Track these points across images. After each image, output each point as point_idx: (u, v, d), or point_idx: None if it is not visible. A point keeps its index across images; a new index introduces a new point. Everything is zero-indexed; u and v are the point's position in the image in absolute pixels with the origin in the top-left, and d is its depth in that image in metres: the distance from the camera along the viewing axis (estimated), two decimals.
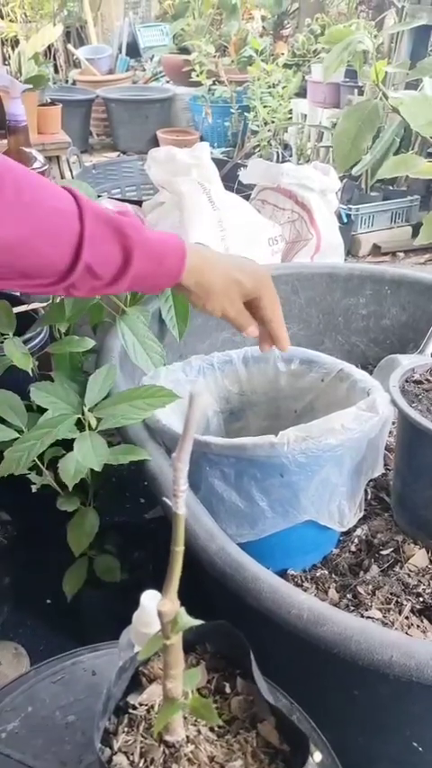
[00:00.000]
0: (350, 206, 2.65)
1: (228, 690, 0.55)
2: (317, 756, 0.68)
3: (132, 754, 0.50)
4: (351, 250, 2.71)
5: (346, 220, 2.61)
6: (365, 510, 1.11)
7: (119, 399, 0.95)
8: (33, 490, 1.01)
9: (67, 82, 4.41)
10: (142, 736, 0.51)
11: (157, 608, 0.45)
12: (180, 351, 1.39)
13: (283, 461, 0.92)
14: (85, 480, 1.05)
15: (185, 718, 0.53)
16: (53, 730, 0.67)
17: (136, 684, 0.55)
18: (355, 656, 0.71)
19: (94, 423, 0.94)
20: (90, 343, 1.17)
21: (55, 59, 4.52)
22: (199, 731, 0.52)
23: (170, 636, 0.45)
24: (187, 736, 0.51)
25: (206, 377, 1.19)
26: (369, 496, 1.17)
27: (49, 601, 1.24)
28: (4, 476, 0.97)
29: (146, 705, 0.54)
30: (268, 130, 2.97)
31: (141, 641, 0.59)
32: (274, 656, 0.81)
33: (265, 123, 3.09)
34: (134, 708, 0.53)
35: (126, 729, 0.52)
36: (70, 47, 4.41)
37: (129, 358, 1.13)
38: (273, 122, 3.05)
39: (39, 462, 1.02)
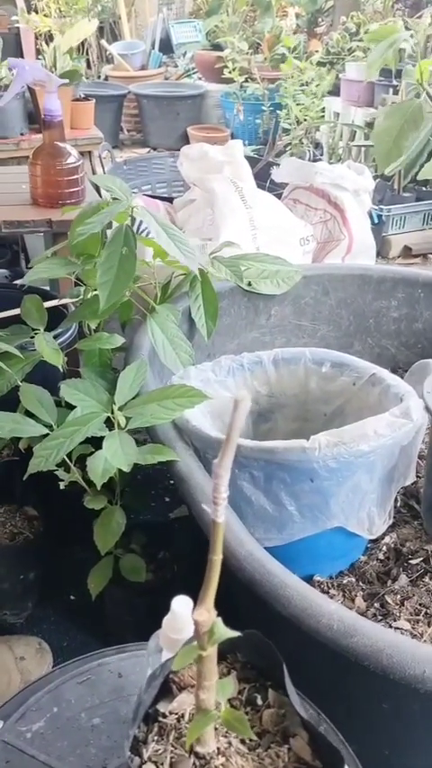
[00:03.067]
0: (381, 206, 2.62)
1: (259, 702, 0.54)
2: None
3: (162, 764, 0.49)
4: (381, 251, 2.68)
5: (377, 221, 2.58)
6: (395, 518, 1.09)
7: (148, 399, 0.94)
8: (61, 487, 1.00)
9: (99, 77, 4.42)
10: (172, 746, 0.50)
11: (193, 617, 0.44)
12: (208, 350, 1.38)
13: (313, 466, 0.91)
14: (112, 479, 1.05)
15: (216, 728, 0.52)
16: (78, 732, 0.67)
17: (166, 692, 0.54)
18: (386, 669, 0.69)
19: (123, 422, 0.94)
20: (120, 340, 1.16)
21: (88, 55, 4.53)
22: (230, 743, 0.51)
23: (206, 647, 0.44)
24: (218, 748, 0.50)
25: (235, 377, 1.18)
26: (399, 504, 1.15)
27: (73, 597, 1.24)
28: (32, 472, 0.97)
29: (176, 714, 0.53)
30: (300, 129, 2.95)
31: (171, 647, 0.58)
32: (301, 664, 0.79)
33: (298, 122, 3.06)
34: (164, 716, 0.53)
35: (156, 738, 0.51)
36: (103, 42, 4.41)
37: (157, 356, 1.13)
38: (305, 120, 3.03)
39: (67, 459, 1.02)
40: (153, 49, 4.57)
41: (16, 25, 3.10)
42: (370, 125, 2.96)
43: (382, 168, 1.48)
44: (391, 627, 0.96)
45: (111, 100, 3.83)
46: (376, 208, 2.61)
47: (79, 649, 1.15)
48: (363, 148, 2.87)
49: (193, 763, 0.49)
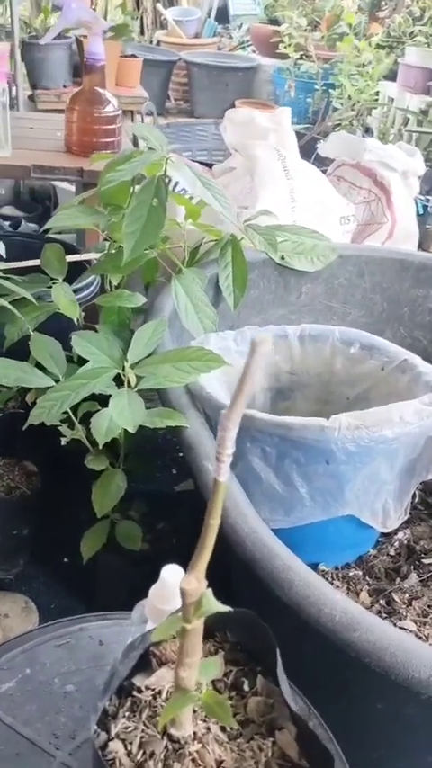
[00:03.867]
0: (429, 197, 2.52)
1: (246, 687, 0.49)
2: None
3: (131, 743, 0.44)
4: (423, 244, 2.58)
5: (422, 211, 2.48)
6: (411, 513, 1.03)
7: (163, 359, 0.89)
8: (63, 443, 0.96)
9: (151, 43, 4.33)
10: (144, 725, 0.46)
11: (180, 585, 0.39)
12: (232, 322, 1.32)
13: (331, 447, 0.85)
14: (117, 440, 1.00)
15: (195, 711, 0.47)
16: (49, 698, 0.62)
17: (145, 665, 0.49)
18: (388, 668, 0.64)
19: (133, 380, 0.89)
20: (141, 299, 1.11)
21: (142, 19, 4.44)
22: (209, 729, 0.46)
23: (191, 619, 0.39)
24: (195, 733, 0.45)
25: None
26: (416, 499, 1.09)
27: (66, 559, 1.20)
28: (35, 426, 0.93)
29: (153, 690, 0.48)
30: (352, 109, 2.85)
31: (157, 618, 0.53)
32: (297, 654, 0.74)
33: (351, 103, 2.96)
34: (140, 691, 0.48)
35: (127, 714, 0.46)
36: (159, 6, 4.32)
37: (178, 321, 1.07)
38: (358, 102, 2.93)
39: (72, 415, 0.97)
40: (209, 17, 4.46)
41: None
42: (425, 112, 2.86)
43: None
44: (395, 626, 0.90)
45: (160, 65, 3.75)
46: (423, 198, 2.52)
47: (66, 613, 1.10)
48: (415, 135, 2.76)
49: (165, 746, 0.44)
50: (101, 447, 0.90)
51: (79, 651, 0.67)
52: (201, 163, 1.88)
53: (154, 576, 0.54)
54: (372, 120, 3.15)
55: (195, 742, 0.45)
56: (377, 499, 0.93)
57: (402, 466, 0.91)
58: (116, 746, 0.44)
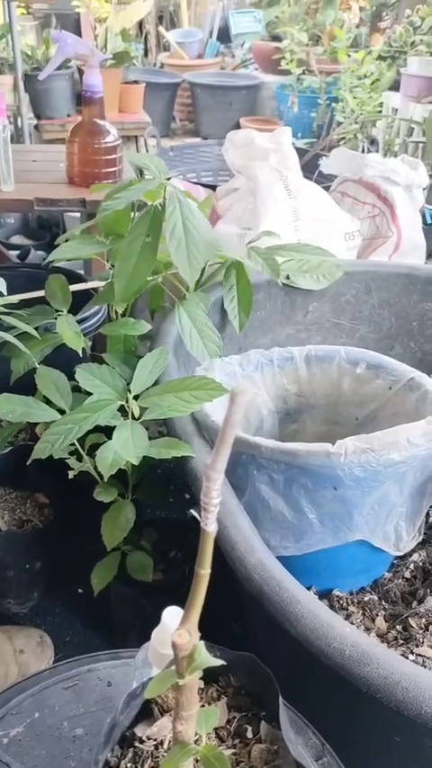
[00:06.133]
0: None
1: (249, 734, 0.48)
2: None
3: None
4: None
5: (430, 221, 2.47)
6: (425, 534, 1.02)
7: (166, 389, 0.89)
8: (70, 476, 0.96)
9: (155, 65, 4.38)
10: None
11: (172, 639, 0.39)
12: (240, 344, 1.32)
13: (338, 473, 0.84)
14: (125, 471, 1.00)
15: (197, 761, 0.46)
16: (58, 742, 0.62)
17: (147, 713, 0.49)
18: (400, 704, 0.62)
19: (137, 411, 0.89)
20: (146, 326, 1.11)
21: (146, 42, 4.50)
22: None
23: (185, 674, 0.38)
24: None
25: (264, 373, 1.12)
26: (430, 519, 1.07)
27: (81, 590, 1.19)
28: (45, 458, 0.93)
29: (155, 740, 0.47)
30: (356, 122, 2.85)
31: (159, 662, 0.52)
32: (308, 687, 0.73)
33: (354, 116, 2.97)
34: (141, 741, 0.47)
35: (129, 765, 0.45)
36: (161, 29, 4.37)
37: (184, 347, 1.07)
38: (361, 115, 2.93)
39: (79, 448, 0.97)
40: (210, 38, 4.51)
41: (76, 11, 3.08)
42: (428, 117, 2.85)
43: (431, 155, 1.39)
44: (412, 653, 0.88)
45: (164, 88, 3.79)
46: (430, 207, 2.50)
47: (82, 646, 1.11)
48: (420, 145, 2.76)
49: None
50: (105, 479, 0.90)
51: (88, 693, 0.66)
52: (204, 185, 1.89)
53: (167, 607, 0.53)
54: (377, 132, 3.15)
55: None
56: (388, 522, 0.91)
57: (412, 488, 0.90)
58: None
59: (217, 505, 0.38)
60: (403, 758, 0.75)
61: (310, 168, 2.10)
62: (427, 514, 1.04)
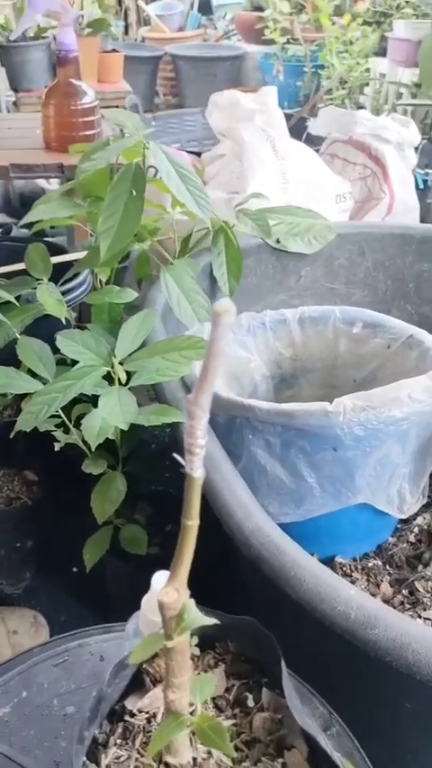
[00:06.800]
0: (428, 171, 2.45)
1: (250, 703, 0.44)
2: None
3: None
4: (426, 220, 2.51)
5: (422, 186, 2.41)
6: (429, 497, 0.98)
7: (152, 351, 0.84)
8: (57, 449, 0.91)
9: (136, 40, 4.28)
10: (138, 753, 0.41)
11: (158, 598, 0.34)
12: None
13: (337, 433, 0.80)
14: (114, 442, 0.96)
15: (193, 734, 0.42)
16: (48, 721, 0.58)
17: (138, 684, 0.45)
18: (411, 667, 0.59)
19: (123, 377, 0.84)
20: (132, 294, 1.07)
21: (126, 18, 4.39)
22: (210, 752, 0.41)
23: (172, 635, 0.34)
24: (194, 759, 0.40)
25: (256, 337, 1.07)
26: None
27: (75, 569, 1.15)
28: (33, 435, 0.89)
29: (146, 713, 0.43)
30: (343, 88, 2.78)
31: (151, 630, 0.48)
32: (314, 655, 0.70)
33: (341, 81, 2.90)
34: (132, 715, 0.43)
35: (119, 741, 0.42)
36: (140, 2, 4.27)
37: (173, 315, 1.03)
38: (348, 82, 2.86)
39: (65, 419, 0.93)
40: (192, 9, 4.40)
41: None
42: (418, 85, 2.79)
43: (426, 87, 1.33)
44: (420, 617, 0.85)
45: (146, 62, 3.70)
46: (422, 172, 2.45)
47: (77, 625, 1.06)
48: (409, 108, 2.69)
49: None
50: (95, 449, 0.85)
51: (78, 668, 0.63)
52: (190, 152, 1.83)
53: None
54: (364, 99, 3.08)
55: None
56: (391, 484, 0.87)
57: (415, 447, 0.86)
58: None
59: (203, 447, 0.34)
60: (414, 725, 0.72)
61: (296, 134, 2.04)
62: (431, 476, 1.00)
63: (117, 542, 0.97)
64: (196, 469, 0.34)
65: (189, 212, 1.18)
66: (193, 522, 0.35)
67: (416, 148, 1.75)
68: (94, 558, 0.92)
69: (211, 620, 0.34)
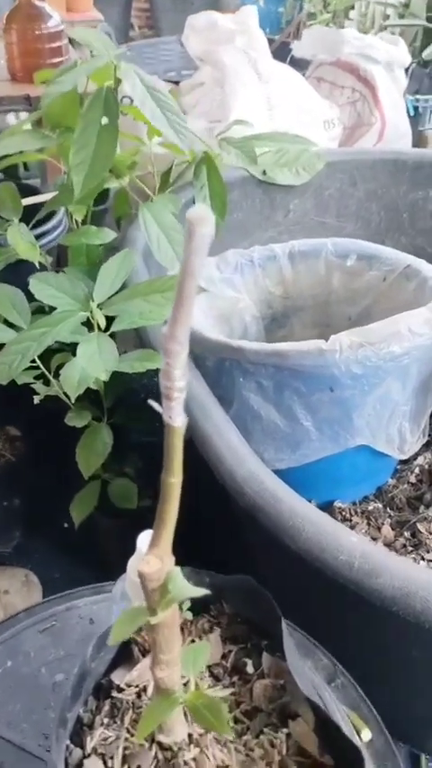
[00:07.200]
0: (418, 96, 2.33)
1: (250, 669, 0.40)
2: (365, 734, 0.54)
3: (111, 757, 0.36)
4: (417, 147, 2.41)
5: (413, 113, 2.30)
6: (430, 435, 0.94)
7: (132, 293, 0.78)
8: (36, 401, 0.86)
9: None
10: (128, 732, 0.37)
11: (138, 568, 0.30)
12: (216, 250, 1.20)
13: (333, 372, 0.75)
14: (98, 393, 0.91)
15: None
16: (36, 692, 0.54)
17: (125, 656, 0.41)
18: (419, 615, 0.55)
19: (103, 322, 0.78)
20: (110, 234, 0.99)
21: None
22: (207, 728, 0.37)
23: (157, 610, 0.29)
24: (190, 736, 0.36)
25: (244, 275, 1.01)
26: None
27: (66, 524, 1.12)
28: (14, 389, 0.83)
29: (136, 686, 0.39)
30: (327, 11, 2.63)
31: (137, 594, 0.44)
32: (316, 605, 0.66)
33: (325, 5, 2.74)
34: (119, 690, 0.39)
35: (106, 720, 0.38)
36: None
37: (153, 256, 0.96)
38: (332, 5, 2.70)
39: (44, 369, 0.87)
40: None
41: None
42: (406, 5, 2.64)
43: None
44: (423, 559, 0.82)
45: None
46: (412, 98, 2.33)
47: (71, 582, 1.03)
48: (397, 31, 2.55)
49: (155, 757, 0.36)
50: (78, 401, 0.80)
51: (67, 633, 0.59)
52: (167, 82, 1.72)
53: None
54: (349, 24, 2.92)
55: (192, 747, 0.36)
56: (391, 424, 0.83)
57: (416, 384, 0.81)
58: (94, 765, 0.35)
59: (182, 390, 0.28)
60: (422, 673, 0.69)
61: (279, 60, 1.92)
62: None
63: (107, 497, 0.93)
64: (176, 417, 0.29)
65: (168, 144, 1.10)
66: (175, 479, 0.30)
67: (406, 71, 1.65)
68: (81, 515, 0.88)
69: (201, 591, 0.29)
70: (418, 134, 2.40)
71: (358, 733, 0.53)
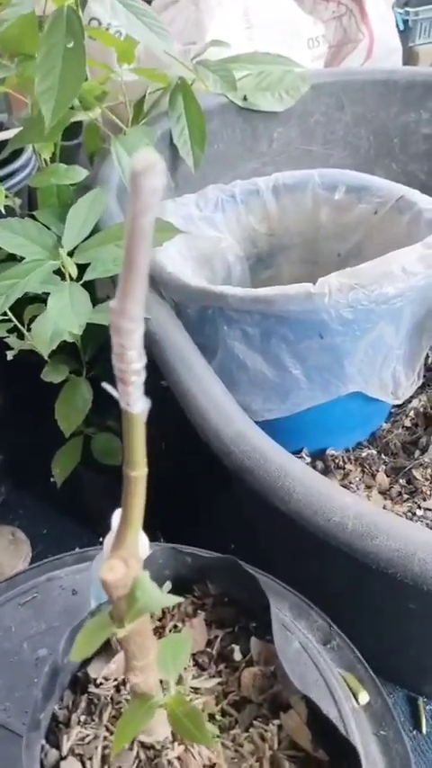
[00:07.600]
0: (407, 9, 2.19)
1: (237, 656, 0.38)
2: (363, 697, 0.52)
3: (90, 758, 0.33)
4: (407, 65, 2.28)
5: (402, 27, 2.16)
6: (425, 377, 0.90)
7: (104, 239, 0.72)
8: (9, 357, 0.81)
9: None
10: (107, 729, 0.34)
11: (100, 575, 0.26)
12: (196, 185, 1.13)
13: (323, 318, 0.70)
14: (76, 345, 0.86)
15: None
16: (18, 669, 0.52)
17: (102, 647, 0.38)
18: (417, 577, 0.53)
19: (74, 271, 0.73)
20: (82, 172, 0.92)
21: None
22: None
23: (124, 621, 0.26)
24: (173, 734, 0.34)
25: (226, 212, 0.95)
26: (430, 360, 0.95)
27: (52, 479, 1.09)
28: None
29: (114, 680, 0.36)
30: None
31: None
32: (311, 566, 0.64)
33: None
34: (96, 684, 0.36)
35: (83, 718, 0.35)
36: None
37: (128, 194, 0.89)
38: None
39: (17, 322, 0.82)
40: None
41: None
42: None
43: None
44: (420, 507, 0.80)
45: None
46: (401, 11, 2.19)
47: (60, 537, 1.02)
48: None
49: (137, 757, 0.33)
50: (53, 354, 0.76)
51: (49, 606, 0.56)
52: None
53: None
54: None
55: (176, 744, 0.33)
56: (384, 368, 0.79)
57: (410, 326, 0.77)
58: (71, 767, 0.33)
59: (139, 373, 0.24)
60: (417, 623, 0.67)
61: None
62: (426, 356, 0.92)
63: (90, 451, 0.89)
64: (134, 403, 0.25)
65: (141, 70, 1.02)
66: (138, 472, 0.26)
67: None
68: (65, 472, 0.85)
69: (175, 599, 0.26)
70: (408, 50, 2.26)
71: (355, 696, 0.51)
